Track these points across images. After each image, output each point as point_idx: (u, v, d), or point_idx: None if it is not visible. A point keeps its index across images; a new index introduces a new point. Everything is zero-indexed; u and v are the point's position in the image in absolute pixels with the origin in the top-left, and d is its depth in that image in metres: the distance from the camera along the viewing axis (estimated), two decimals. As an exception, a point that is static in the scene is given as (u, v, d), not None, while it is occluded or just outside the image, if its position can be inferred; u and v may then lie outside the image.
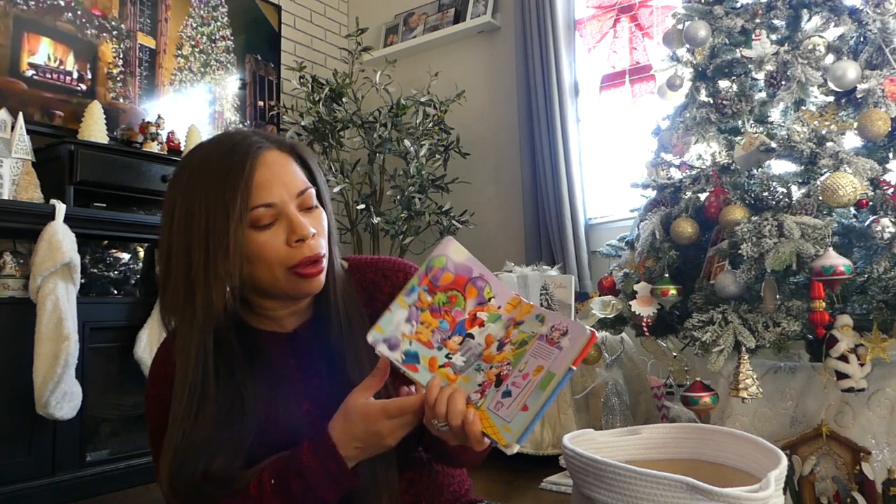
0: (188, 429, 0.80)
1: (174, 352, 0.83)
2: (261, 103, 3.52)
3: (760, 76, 1.89)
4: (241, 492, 0.79)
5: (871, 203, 1.59)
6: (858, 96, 1.70)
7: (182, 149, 2.87)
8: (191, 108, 3.17)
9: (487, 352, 0.72)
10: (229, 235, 0.77)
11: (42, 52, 2.62)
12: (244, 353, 0.85)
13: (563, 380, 0.66)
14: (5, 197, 2.21)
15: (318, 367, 0.88)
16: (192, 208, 0.80)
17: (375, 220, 3.19)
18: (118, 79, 2.88)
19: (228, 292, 0.80)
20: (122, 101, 2.89)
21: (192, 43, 3.21)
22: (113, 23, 2.88)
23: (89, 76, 2.77)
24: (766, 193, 1.68)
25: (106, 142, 2.57)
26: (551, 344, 0.69)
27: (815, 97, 1.82)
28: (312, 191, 0.85)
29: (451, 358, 0.72)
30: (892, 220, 1.50)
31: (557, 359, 0.67)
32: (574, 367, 0.67)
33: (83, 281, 2.31)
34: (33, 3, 2.60)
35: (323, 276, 0.85)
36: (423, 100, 3.29)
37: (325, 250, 0.84)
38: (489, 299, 0.74)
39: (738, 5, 1.96)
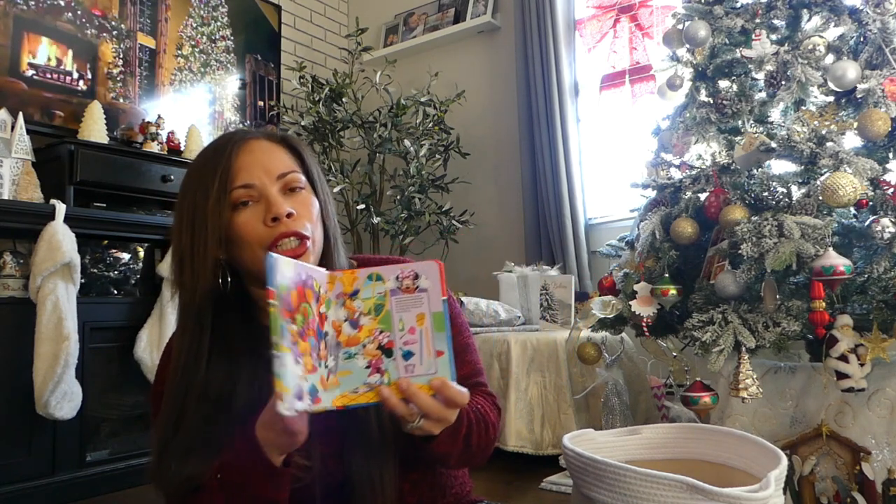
0: (173, 424, 0.80)
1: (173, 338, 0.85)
2: (261, 103, 3.52)
3: (760, 76, 1.89)
4: (203, 486, 0.79)
5: (871, 203, 1.59)
6: (858, 96, 1.70)
7: (182, 149, 2.87)
8: (191, 108, 3.17)
9: (342, 337, 0.71)
10: (208, 214, 0.81)
11: (42, 52, 2.62)
12: (247, 346, 0.85)
13: (446, 312, 0.69)
14: (5, 197, 2.21)
15: None
16: (184, 193, 0.85)
17: (375, 220, 3.19)
18: (118, 79, 2.88)
19: (210, 263, 0.82)
20: (122, 101, 2.89)
21: (192, 43, 3.21)
22: (113, 23, 2.88)
23: (89, 76, 2.77)
24: (766, 193, 1.68)
25: (106, 142, 2.57)
26: (411, 292, 0.70)
27: (815, 97, 1.82)
28: (298, 175, 0.86)
29: (328, 366, 0.70)
30: (892, 220, 1.50)
31: (430, 300, 0.69)
32: (445, 297, 0.69)
33: (83, 281, 2.31)
34: (33, 3, 2.60)
35: (305, 258, 0.83)
36: (423, 100, 3.29)
37: (305, 230, 0.83)
38: (319, 290, 0.73)
39: (738, 5, 1.96)
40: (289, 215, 0.82)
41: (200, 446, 0.80)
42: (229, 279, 0.85)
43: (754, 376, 1.55)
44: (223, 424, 0.81)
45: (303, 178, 0.87)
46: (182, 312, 0.85)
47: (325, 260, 0.89)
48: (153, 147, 2.72)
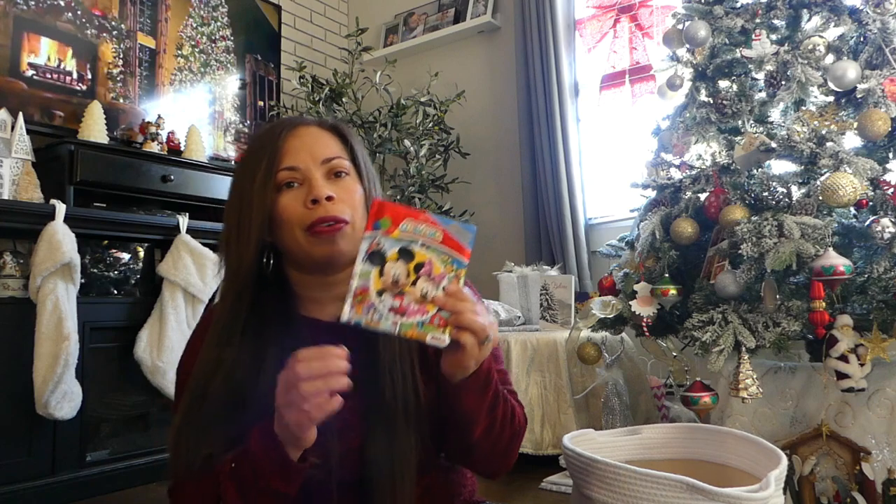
0: (198, 398, 0.82)
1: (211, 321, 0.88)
2: (261, 103, 3.52)
3: (760, 76, 1.89)
4: (216, 471, 0.80)
5: (871, 203, 1.59)
6: (858, 96, 1.70)
7: (182, 149, 2.87)
8: (191, 108, 3.17)
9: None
10: (254, 195, 0.84)
11: (42, 52, 2.62)
12: (278, 330, 0.86)
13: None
14: (5, 197, 2.21)
15: (351, 357, 0.88)
16: (235, 175, 0.91)
17: (375, 220, 3.18)
18: (118, 79, 2.88)
19: (254, 241, 0.84)
20: (122, 101, 2.89)
21: (192, 43, 3.21)
22: (113, 23, 2.88)
23: (89, 76, 2.77)
24: (766, 193, 1.68)
25: (106, 142, 2.57)
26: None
27: (815, 97, 1.81)
28: (343, 161, 0.89)
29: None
30: (892, 220, 1.50)
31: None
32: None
33: (83, 281, 2.31)
34: (33, 3, 2.60)
35: (341, 242, 0.85)
36: (423, 100, 3.29)
37: (344, 215, 0.85)
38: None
39: (738, 5, 1.96)
40: (329, 198, 0.84)
41: (219, 427, 0.81)
42: (272, 260, 0.87)
43: (754, 376, 1.55)
44: (245, 406, 0.82)
45: (348, 164, 0.89)
46: (224, 290, 0.87)
47: None
48: (153, 147, 2.72)
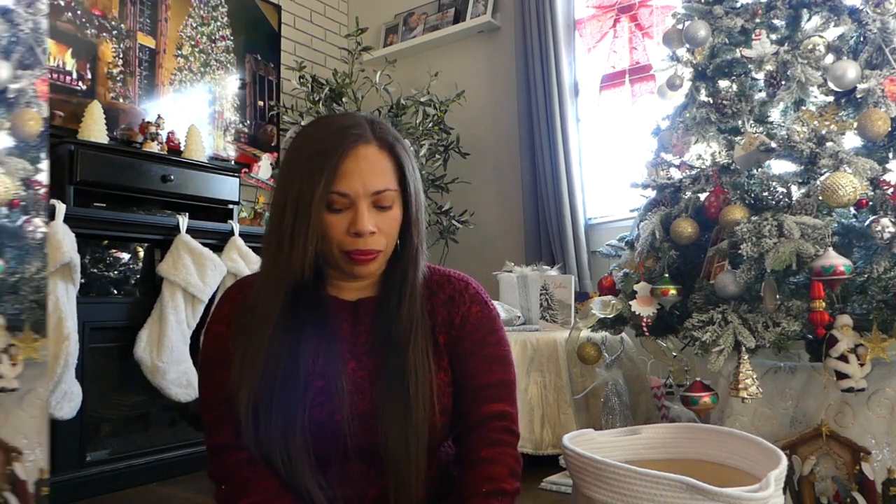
0: (245, 378, 0.92)
1: (251, 291, 0.98)
2: (261, 103, 3.52)
3: (760, 76, 1.89)
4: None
5: (871, 203, 1.59)
6: (858, 96, 1.70)
7: (182, 149, 2.87)
8: (191, 107, 3.17)
9: None
10: (311, 208, 0.90)
11: (42, 52, 2.62)
12: (310, 307, 0.97)
13: None
14: (5, 197, 2.21)
15: (368, 335, 0.99)
16: (292, 177, 0.94)
17: (375, 220, 3.18)
18: (118, 79, 2.88)
19: (310, 252, 0.92)
20: (122, 100, 2.88)
21: (192, 43, 3.21)
22: (113, 23, 2.88)
23: (89, 76, 2.77)
24: (766, 193, 1.68)
25: (106, 142, 2.57)
26: None
27: (815, 97, 1.81)
28: (391, 193, 0.94)
29: None
30: (892, 220, 1.50)
31: None
32: None
33: (83, 281, 2.31)
34: (33, 3, 2.60)
35: (373, 266, 0.95)
36: (422, 100, 3.29)
37: (380, 247, 0.94)
38: None
39: (738, 5, 1.96)
40: (371, 233, 0.92)
41: (267, 411, 0.91)
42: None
43: (754, 376, 1.55)
44: (289, 389, 0.92)
45: (395, 192, 0.95)
46: (275, 283, 0.94)
47: (399, 269, 0.98)
48: (153, 147, 2.72)
